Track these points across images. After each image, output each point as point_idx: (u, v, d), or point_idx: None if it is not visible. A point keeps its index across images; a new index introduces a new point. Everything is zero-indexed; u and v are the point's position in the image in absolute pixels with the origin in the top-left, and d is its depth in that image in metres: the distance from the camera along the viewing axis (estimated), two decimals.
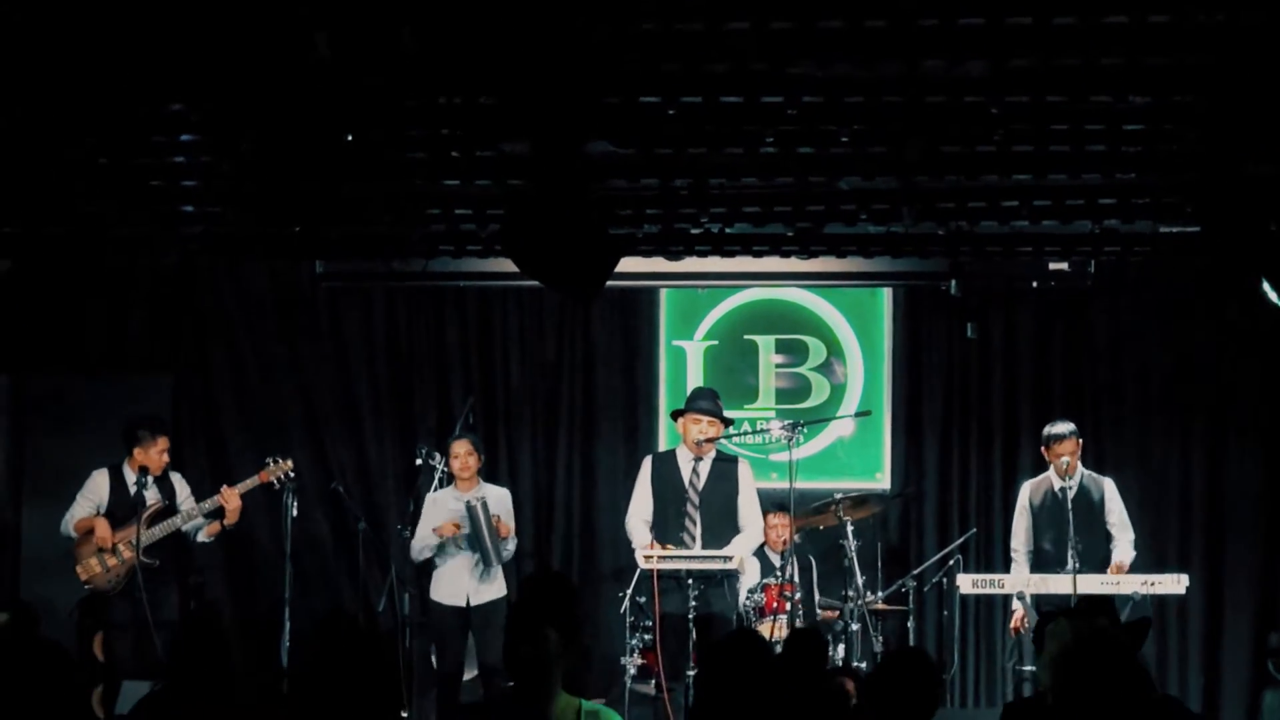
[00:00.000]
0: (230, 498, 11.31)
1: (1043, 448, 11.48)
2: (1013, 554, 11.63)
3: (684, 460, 11.23)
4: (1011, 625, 11.50)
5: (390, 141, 9.11)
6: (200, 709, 6.14)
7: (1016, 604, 11.37)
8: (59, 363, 12.85)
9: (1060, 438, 11.36)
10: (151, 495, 11.30)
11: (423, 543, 11.58)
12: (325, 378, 13.36)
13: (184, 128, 9.04)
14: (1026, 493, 11.62)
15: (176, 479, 11.59)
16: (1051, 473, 11.36)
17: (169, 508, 11.36)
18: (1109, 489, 11.51)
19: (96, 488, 11.40)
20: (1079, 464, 11.47)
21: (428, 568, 11.79)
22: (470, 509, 11.29)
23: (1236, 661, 12.69)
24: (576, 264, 9.09)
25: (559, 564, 13.17)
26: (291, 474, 11.55)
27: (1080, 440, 11.45)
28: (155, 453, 11.36)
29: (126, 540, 11.14)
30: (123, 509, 11.28)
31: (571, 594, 9.39)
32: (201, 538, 11.52)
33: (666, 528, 11.10)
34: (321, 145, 8.98)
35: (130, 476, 11.30)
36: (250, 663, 10.54)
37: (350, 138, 8.75)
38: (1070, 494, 11.30)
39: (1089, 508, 11.38)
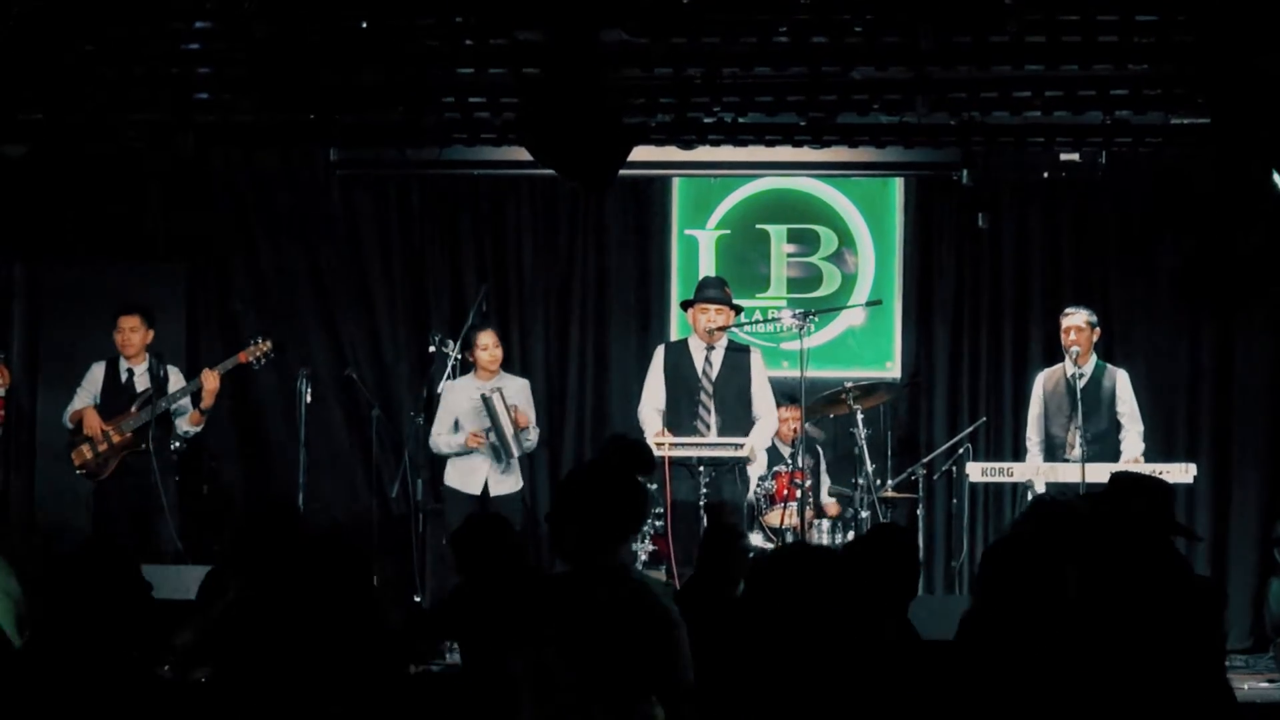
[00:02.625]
0: (209, 379, 11.23)
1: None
2: (1027, 443, 11.70)
3: (696, 350, 11.26)
4: None
5: (405, 29, 9.13)
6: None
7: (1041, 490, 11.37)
8: (74, 250, 12.88)
9: (1068, 314, 11.47)
10: (142, 384, 11.34)
11: (446, 442, 11.47)
12: (339, 265, 13.38)
13: (199, 14, 9.06)
14: (1041, 381, 11.68)
15: (173, 371, 11.52)
16: (1066, 361, 11.41)
17: (158, 392, 11.33)
18: (1121, 379, 11.54)
19: (93, 380, 11.46)
20: (1093, 353, 11.54)
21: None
22: (486, 401, 11.20)
23: (1243, 550, 12.74)
24: (590, 153, 9.14)
25: (571, 452, 13.25)
26: (271, 354, 11.50)
27: (1096, 329, 11.49)
28: (123, 335, 11.37)
29: (116, 426, 11.23)
30: (115, 398, 11.35)
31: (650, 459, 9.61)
32: (185, 426, 11.41)
33: (681, 417, 11.15)
34: (336, 32, 9.01)
35: (124, 365, 11.40)
36: None
37: (364, 25, 8.78)
38: (1081, 382, 11.36)
39: (1098, 397, 11.42)
